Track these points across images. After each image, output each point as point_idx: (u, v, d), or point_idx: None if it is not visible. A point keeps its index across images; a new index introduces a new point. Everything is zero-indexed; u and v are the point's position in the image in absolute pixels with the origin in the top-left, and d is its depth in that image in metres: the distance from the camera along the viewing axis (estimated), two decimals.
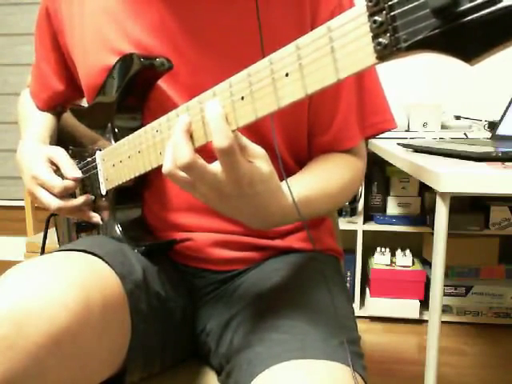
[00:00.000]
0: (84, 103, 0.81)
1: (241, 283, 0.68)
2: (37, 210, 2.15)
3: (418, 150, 1.08)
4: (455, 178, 0.74)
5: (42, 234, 0.89)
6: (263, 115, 0.42)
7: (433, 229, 0.80)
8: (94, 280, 0.53)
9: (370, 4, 0.32)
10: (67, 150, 0.78)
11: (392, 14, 0.31)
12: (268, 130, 0.64)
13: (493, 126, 1.68)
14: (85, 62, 0.70)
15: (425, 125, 1.80)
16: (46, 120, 0.82)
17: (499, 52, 0.27)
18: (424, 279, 1.87)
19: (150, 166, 0.55)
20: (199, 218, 0.67)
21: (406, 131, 1.81)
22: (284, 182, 0.54)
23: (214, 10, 0.62)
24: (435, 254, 0.78)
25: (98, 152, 0.68)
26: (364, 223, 1.94)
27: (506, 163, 0.79)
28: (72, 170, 0.69)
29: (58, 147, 0.74)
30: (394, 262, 1.93)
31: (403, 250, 1.95)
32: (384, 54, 0.32)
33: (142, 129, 0.56)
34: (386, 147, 1.26)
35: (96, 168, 0.69)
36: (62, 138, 0.82)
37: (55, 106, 0.83)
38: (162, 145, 0.52)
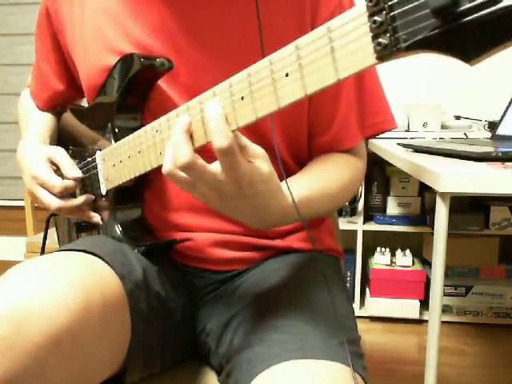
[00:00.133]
0: (84, 103, 0.81)
1: (241, 283, 0.68)
2: (37, 210, 2.15)
3: (418, 149, 1.08)
4: (455, 178, 0.74)
5: (42, 234, 0.89)
6: (263, 115, 0.42)
7: (433, 229, 0.80)
8: (94, 280, 0.53)
9: (369, 4, 0.32)
10: (67, 149, 0.78)
11: (392, 14, 0.31)
12: (268, 129, 0.64)
13: (493, 126, 1.68)
14: (85, 62, 0.70)
15: (425, 125, 1.80)
16: (46, 120, 0.82)
17: (499, 52, 0.27)
18: (424, 279, 1.87)
19: (150, 165, 0.56)
20: (199, 218, 0.67)
21: (406, 131, 1.81)
22: (284, 182, 0.54)
23: (214, 10, 0.62)
24: (435, 254, 0.78)
25: (98, 152, 0.68)
26: (364, 223, 1.94)
27: (506, 163, 0.79)
28: (72, 169, 0.69)
29: (58, 147, 0.74)
30: (394, 262, 1.93)
31: (403, 250, 1.95)
32: (384, 54, 0.32)
33: (142, 129, 0.56)
34: (386, 147, 1.26)
35: (96, 168, 0.69)
36: (62, 137, 0.82)
37: (55, 106, 0.83)
38: (161, 145, 0.52)
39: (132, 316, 0.57)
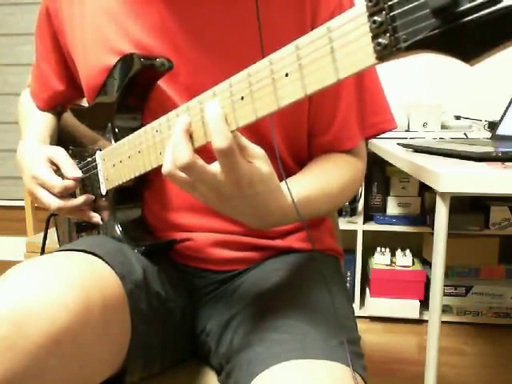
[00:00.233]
0: (84, 103, 0.81)
1: (241, 283, 0.68)
2: (37, 210, 2.15)
3: (418, 149, 1.08)
4: (455, 178, 0.74)
5: (42, 234, 0.89)
6: (263, 115, 0.42)
7: (433, 229, 0.80)
8: (94, 280, 0.53)
9: (369, 4, 0.32)
10: (67, 149, 0.78)
11: (392, 14, 0.31)
12: (268, 129, 0.64)
13: (493, 126, 1.68)
14: (85, 62, 0.70)
15: (425, 125, 1.80)
16: (46, 120, 0.82)
17: (499, 52, 0.27)
18: (424, 279, 1.87)
19: (150, 165, 0.56)
20: (199, 217, 0.67)
21: (406, 131, 1.81)
22: (284, 182, 0.54)
23: (214, 10, 0.62)
24: (435, 254, 0.78)
25: (98, 152, 0.68)
26: (364, 223, 1.94)
27: (506, 163, 0.79)
28: (72, 169, 0.69)
29: (58, 147, 0.74)
30: (394, 262, 1.93)
31: (403, 250, 1.95)
32: (384, 54, 0.32)
33: (142, 129, 0.56)
34: (386, 147, 1.26)
35: (96, 168, 0.69)
36: (62, 137, 0.82)
37: (55, 105, 0.83)
38: (161, 145, 0.52)
39: (132, 316, 0.57)
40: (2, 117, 2.41)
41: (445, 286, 1.85)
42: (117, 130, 0.66)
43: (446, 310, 1.91)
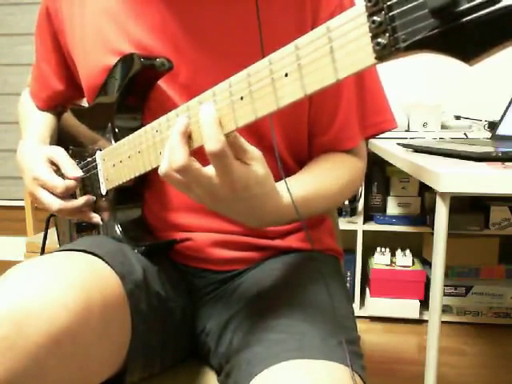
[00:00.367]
0: (84, 103, 0.81)
1: (240, 283, 0.68)
2: (37, 210, 2.15)
3: (418, 150, 1.08)
4: (455, 178, 0.73)
5: (42, 234, 0.89)
6: (263, 115, 0.42)
7: (433, 229, 0.80)
8: (94, 280, 0.53)
9: (368, 4, 0.32)
10: (67, 149, 0.78)
11: (391, 14, 0.31)
12: (267, 129, 0.64)
13: (493, 126, 1.68)
14: (85, 63, 0.70)
15: (425, 125, 1.80)
16: (46, 119, 0.82)
17: (498, 52, 0.27)
18: (424, 279, 1.87)
19: (150, 165, 0.56)
20: (199, 218, 0.67)
21: (406, 131, 1.81)
22: (280, 182, 0.55)
23: (214, 10, 0.62)
24: (435, 254, 0.78)
25: (98, 152, 0.68)
26: (364, 223, 1.94)
27: (506, 163, 0.79)
28: (72, 169, 0.69)
29: (58, 147, 0.74)
30: (394, 262, 1.93)
31: (403, 250, 1.95)
32: (383, 54, 0.32)
33: (142, 129, 0.56)
34: (386, 147, 1.26)
35: (96, 168, 0.69)
36: (62, 137, 0.82)
37: (55, 105, 0.83)
38: (161, 145, 0.52)
39: (132, 316, 0.57)
40: (2, 117, 2.41)
41: (445, 286, 1.85)
42: (117, 130, 0.66)
43: (446, 310, 1.91)
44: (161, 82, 0.64)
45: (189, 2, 0.62)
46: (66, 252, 0.58)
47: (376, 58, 0.33)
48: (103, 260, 0.57)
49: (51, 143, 0.79)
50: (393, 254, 1.96)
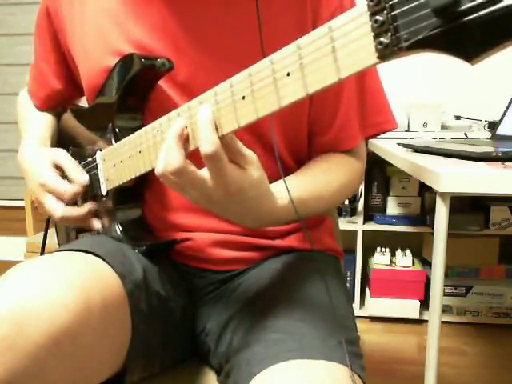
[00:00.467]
0: (83, 103, 0.81)
1: (240, 283, 0.68)
2: (37, 210, 2.15)
3: (418, 149, 1.08)
4: (455, 178, 0.73)
5: (42, 234, 0.89)
6: (264, 115, 0.42)
7: (433, 229, 0.80)
8: (95, 280, 0.53)
9: (371, 3, 0.32)
10: (67, 150, 0.78)
11: (393, 13, 0.31)
12: (267, 129, 0.64)
13: (493, 126, 1.68)
14: (86, 63, 0.70)
15: (425, 125, 1.80)
16: (46, 120, 0.82)
17: (500, 51, 0.27)
18: (424, 279, 1.87)
19: (150, 165, 0.56)
20: (199, 217, 0.67)
21: (406, 131, 1.81)
22: (276, 183, 0.55)
23: (215, 10, 0.62)
24: (435, 254, 0.78)
25: (98, 152, 0.68)
26: (364, 223, 1.94)
27: (506, 163, 0.79)
28: (79, 173, 0.69)
29: (61, 149, 0.73)
30: (394, 262, 1.93)
31: (403, 250, 1.95)
32: (385, 53, 0.32)
33: (143, 129, 0.56)
34: (386, 147, 1.26)
35: (96, 168, 0.69)
36: (62, 138, 0.82)
37: (54, 105, 0.83)
38: (162, 145, 0.52)
39: (132, 316, 0.57)
40: (2, 117, 2.41)
41: (445, 286, 1.85)
42: (117, 130, 0.66)
43: (446, 310, 1.91)
44: (161, 82, 0.64)
45: (189, 2, 0.62)
46: (66, 252, 0.58)
47: (378, 58, 0.33)
48: (103, 260, 0.57)
49: (52, 144, 0.79)
50: (393, 254, 1.96)
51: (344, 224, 1.92)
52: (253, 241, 0.69)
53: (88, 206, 0.70)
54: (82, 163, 0.73)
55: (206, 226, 0.68)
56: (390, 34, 0.31)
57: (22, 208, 2.34)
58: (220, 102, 0.45)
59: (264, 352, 0.51)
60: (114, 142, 0.65)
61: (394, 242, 2.01)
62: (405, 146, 1.17)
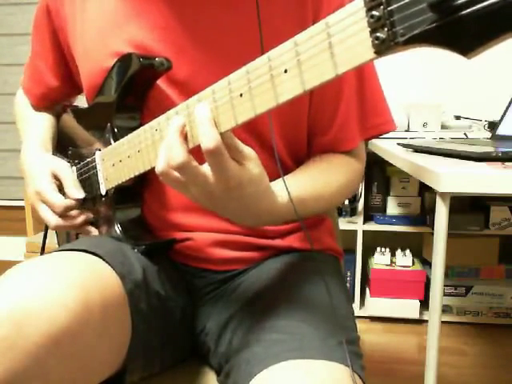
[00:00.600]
0: (79, 102, 0.81)
1: (240, 283, 0.68)
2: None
3: (418, 149, 1.08)
4: (455, 178, 0.73)
5: (41, 234, 0.89)
6: (262, 112, 0.42)
7: (433, 229, 0.80)
8: (94, 280, 0.53)
9: None
10: (67, 150, 0.78)
11: (389, 8, 0.31)
12: (266, 129, 0.64)
13: (493, 126, 1.68)
14: (85, 61, 0.70)
15: (425, 125, 1.80)
16: (46, 121, 0.82)
17: (496, 45, 0.27)
18: (424, 279, 1.87)
19: (149, 165, 0.56)
20: (199, 217, 0.67)
21: (406, 131, 1.81)
22: (275, 182, 0.55)
23: (215, 9, 0.62)
24: (435, 254, 0.78)
25: (97, 152, 0.68)
26: (364, 223, 1.94)
27: (506, 163, 0.79)
28: (74, 189, 0.70)
29: (64, 162, 0.74)
30: (394, 262, 1.93)
31: (403, 250, 1.95)
32: (382, 48, 0.32)
33: (141, 128, 0.56)
34: (386, 147, 1.26)
35: (95, 168, 0.69)
36: (61, 138, 0.82)
37: (49, 103, 0.83)
38: (161, 144, 0.52)
39: (132, 316, 0.57)
40: (2, 117, 2.41)
41: (445, 286, 1.85)
42: (116, 130, 0.66)
43: (446, 310, 1.91)
44: (160, 82, 0.64)
45: (190, 2, 0.62)
46: (66, 252, 0.58)
47: (375, 53, 0.33)
48: (103, 260, 0.57)
49: (52, 146, 0.79)
50: (393, 254, 1.96)
51: (344, 224, 1.92)
52: (253, 241, 0.69)
53: (83, 218, 0.71)
54: (82, 163, 0.73)
55: (206, 226, 0.68)
56: (386, 29, 0.31)
57: (22, 208, 2.34)
58: (218, 99, 0.45)
59: (264, 352, 0.51)
60: (112, 141, 0.65)
61: (393, 242, 2.01)
62: (405, 146, 1.17)
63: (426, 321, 1.84)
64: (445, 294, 1.89)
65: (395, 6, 0.31)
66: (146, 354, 0.60)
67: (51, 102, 0.83)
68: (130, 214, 0.69)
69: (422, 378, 0.82)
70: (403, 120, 1.80)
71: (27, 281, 0.49)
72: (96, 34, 0.67)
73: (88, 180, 0.72)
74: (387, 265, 1.92)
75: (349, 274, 1.98)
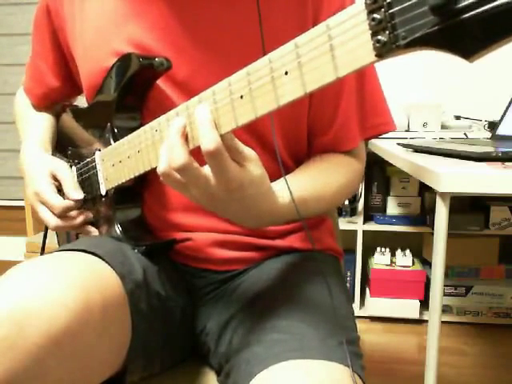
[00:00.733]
0: (79, 102, 0.81)
1: (240, 283, 0.68)
2: None
3: (418, 150, 1.08)
4: (455, 178, 0.73)
5: (41, 234, 0.89)
6: (263, 114, 0.42)
7: (433, 229, 0.80)
8: (94, 280, 0.53)
9: (368, 2, 0.32)
10: (66, 150, 0.78)
11: (391, 11, 0.31)
12: (267, 130, 0.64)
13: (493, 126, 1.68)
14: (85, 61, 0.70)
15: (425, 125, 1.80)
16: (46, 122, 0.82)
17: (498, 48, 0.27)
18: (424, 279, 1.87)
19: (149, 165, 0.56)
20: (199, 217, 0.67)
21: (406, 131, 1.81)
22: (276, 182, 0.55)
23: (215, 9, 0.62)
24: (435, 254, 0.78)
25: (97, 152, 0.68)
26: (364, 223, 1.94)
27: (506, 163, 0.79)
28: (73, 190, 0.70)
29: (63, 162, 0.74)
30: (394, 262, 1.93)
31: (403, 250, 1.95)
32: (383, 51, 0.32)
33: (142, 128, 0.56)
34: (386, 147, 1.26)
35: (95, 168, 0.69)
36: (61, 138, 0.82)
37: (50, 103, 0.83)
38: (161, 144, 0.52)
39: (132, 316, 0.57)
40: (2, 117, 2.41)
41: (445, 285, 1.85)
42: (116, 130, 0.66)
43: (446, 310, 1.91)
44: (160, 82, 0.64)
45: (190, 1, 0.62)
46: (65, 252, 0.58)
47: (376, 56, 0.32)
48: (103, 260, 0.57)
49: (52, 146, 0.79)
50: (393, 254, 1.96)
51: (344, 224, 1.92)
52: (253, 241, 0.69)
53: (82, 218, 0.71)
54: (81, 163, 0.73)
55: (206, 226, 0.68)
56: (387, 32, 0.31)
57: (22, 208, 2.34)
58: (218, 101, 0.45)
59: (264, 352, 0.51)
60: (112, 141, 0.65)
61: (393, 242, 2.01)
62: (405, 146, 1.17)
63: (426, 321, 1.84)
64: (445, 294, 1.89)
65: (396, 8, 0.30)
66: (146, 354, 0.60)
67: (52, 102, 0.84)
68: (130, 215, 0.69)
69: (422, 378, 0.82)
70: (403, 120, 1.80)
71: (27, 281, 0.49)
72: (95, 34, 0.67)
73: (88, 180, 0.72)
74: (387, 265, 1.92)
75: (349, 274, 1.98)
